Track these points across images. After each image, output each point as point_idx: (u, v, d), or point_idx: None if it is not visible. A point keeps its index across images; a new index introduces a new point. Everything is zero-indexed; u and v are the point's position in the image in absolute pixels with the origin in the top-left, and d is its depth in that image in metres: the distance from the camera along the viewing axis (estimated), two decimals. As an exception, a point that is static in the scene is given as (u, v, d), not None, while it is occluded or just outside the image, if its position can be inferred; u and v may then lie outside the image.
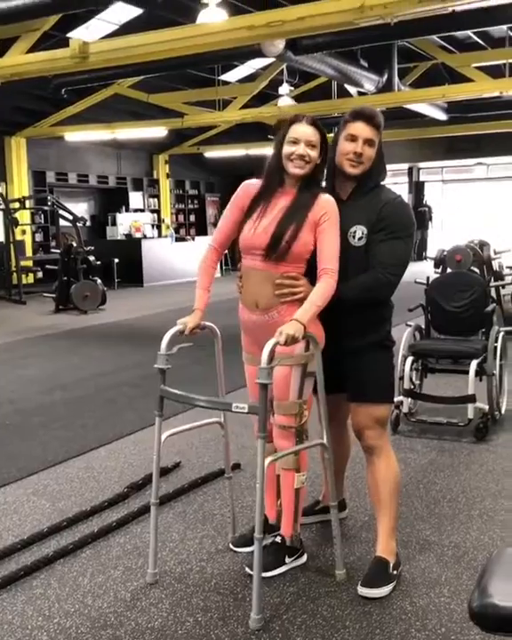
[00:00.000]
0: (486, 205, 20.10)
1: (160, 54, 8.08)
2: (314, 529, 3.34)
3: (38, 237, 16.16)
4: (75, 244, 11.73)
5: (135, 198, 18.70)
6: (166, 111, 14.59)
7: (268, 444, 2.69)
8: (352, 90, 13.62)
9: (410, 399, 4.84)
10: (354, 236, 2.82)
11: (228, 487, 3.28)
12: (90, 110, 14.32)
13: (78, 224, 12.53)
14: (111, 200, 18.09)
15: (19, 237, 14.03)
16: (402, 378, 4.74)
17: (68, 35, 10.15)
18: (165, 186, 19.67)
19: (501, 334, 4.99)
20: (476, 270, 6.65)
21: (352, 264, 2.79)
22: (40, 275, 14.90)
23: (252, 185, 2.93)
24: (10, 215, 12.95)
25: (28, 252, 15.31)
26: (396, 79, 12.25)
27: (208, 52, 8.60)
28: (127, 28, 10.37)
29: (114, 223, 17.50)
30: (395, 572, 2.86)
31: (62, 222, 13.68)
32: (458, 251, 5.88)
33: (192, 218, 20.96)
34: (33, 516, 3.56)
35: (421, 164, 20.77)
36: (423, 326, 5.22)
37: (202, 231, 20.42)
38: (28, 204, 13.82)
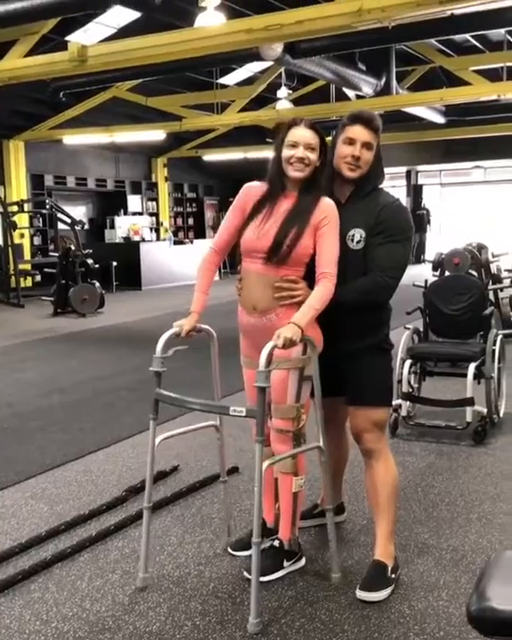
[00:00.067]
0: (484, 208, 20.11)
1: (158, 57, 8.10)
2: (312, 532, 3.34)
3: (37, 241, 16.17)
4: (73, 248, 11.72)
5: (133, 201, 18.71)
6: (165, 114, 14.60)
7: (265, 448, 2.69)
8: (350, 93, 13.63)
9: (408, 402, 4.84)
10: (352, 240, 2.82)
11: (223, 491, 3.27)
12: (88, 113, 14.33)
13: (77, 227, 12.53)
14: (109, 203, 18.11)
15: (17, 241, 14.03)
16: (400, 381, 4.74)
17: (67, 38, 10.14)
18: (164, 189, 19.69)
19: (499, 337, 4.99)
20: (474, 273, 6.65)
21: (350, 267, 2.79)
22: (38, 278, 14.89)
23: (253, 187, 2.92)
24: (8, 218, 12.94)
25: (27, 255, 15.31)
26: (394, 82, 12.28)
27: (206, 56, 8.62)
28: (125, 32, 10.39)
29: (112, 226, 17.52)
30: (393, 576, 2.86)
31: (61, 225, 13.68)
32: (456, 254, 5.87)
33: (190, 221, 20.96)
34: (31, 519, 3.56)
35: (419, 168, 20.80)
36: (421, 329, 5.22)
37: (200, 234, 20.44)
38: (26, 207, 13.81)
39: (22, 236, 15.02)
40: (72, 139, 14.86)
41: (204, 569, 3.03)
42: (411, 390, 4.94)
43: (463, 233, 16.30)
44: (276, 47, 9.17)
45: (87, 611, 2.73)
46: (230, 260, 8.62)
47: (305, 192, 2.81)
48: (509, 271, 8.63)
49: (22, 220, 14.52)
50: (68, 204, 15.72)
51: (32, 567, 3.02)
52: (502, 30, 11.15)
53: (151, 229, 18.79)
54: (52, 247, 15.39)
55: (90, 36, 10.91)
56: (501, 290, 7.92)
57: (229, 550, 3.16)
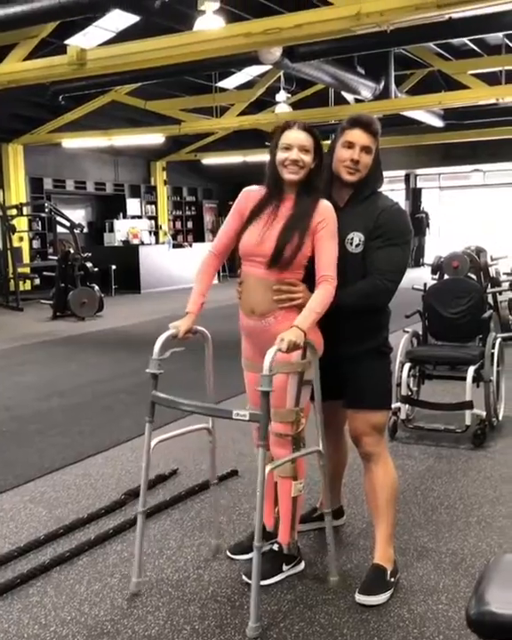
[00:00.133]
0: (483, 212, 20.13)
1: (157, 61, 8.11)
2: (311, 536, 3.33)
3: (36, 244, 16.16)
4: (72, 251, 11.72)
5: (133, 205, 18.72)
6: (164, 118, 14.61)
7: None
8: (349, 97, 13.66)
9: (407, 406, 4.84)
10: (351, 243, 2.82)
11: (212, 494, 3.26)
12: (87, 117, 14.34)
13: (76, 231, 12.55)
14: (109, 207, 18.12)
15: (16, 244, 14.03)
16: (399, 384, 4.74)
17: (66, 42, 10.15)
18: (163, 192, 19.70)
19: (498, 340, 4.99)
20: (473, 277, 6.66)
21: (350, 271, 2.79)
22: (37, 281, 14.88)
23: (252, 191, 2.92)
24: (7, 222, 12.95)
25: (26, 258, 15.31)
26: (393, 86, 12.30)
27: (205, 60, 8.63)
28: (124, 36, 10.40)
29: (111, 230, 17.53)
30: (392, 580, 2.86)
31: (60, 229, 13.70)
32: (455, 257, 5.89)
33: (189, 224, 20.97)
34: (29, 523, 3.55)
35: (418, 171, 20.82)
36: (420, 333, 5.22)
37: (199, 238, 20.44)
38: (25, 210, 13.82)
39: (21, 239, 15.01)
40: (71, 142, 14.86)
41: (202, 573, 3.03)
42: (410, 393, 4.94)
43: (462, 236, 16.30)
44: (275, 51, 9.19)
45: (86, 615, 2.72)
46: (229, 264, 8.65)
47: (302, 194, 2.80)
48: (508, 274, 8.65)
49: (21, 223, 14.51)
50: (67, 208, 15.71)
51: (30, 571, 3.01)
52: (500, 34, 11.19)
53: (150, 233, 18.81)
54: (51, 250, 15.41)
55: (89, 39, 10.91)
56: (500, 293, 7.92)
57: (228, 554, 3.15)
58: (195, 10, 8.13)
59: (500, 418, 5.00)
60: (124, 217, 18.14)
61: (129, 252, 15.69)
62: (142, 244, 17.31)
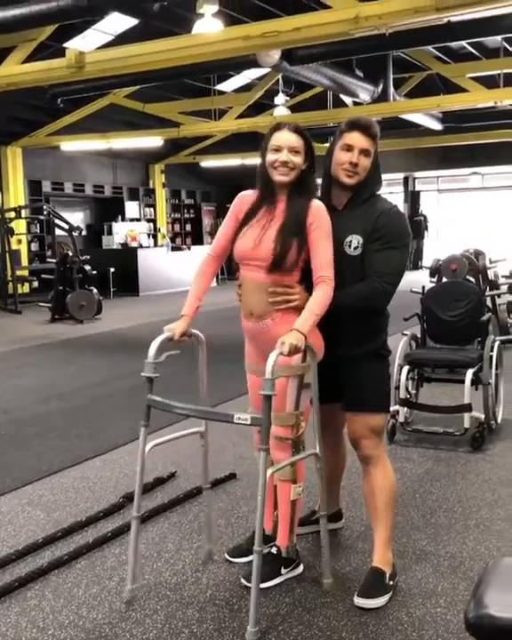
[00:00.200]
0: (482, 215, 20.16)
1: (156, 64, 8.12)
2: (310, 539, 3.32)
3: (34, 247, 16.17)
4: (71, 254, 11.71)
5: (131, 208, 18.73)
6: (162, 121, 14.63)
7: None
8: (347, 100, 13.67)
9: (406, 408, 4.83)
10: (350, 246, 2.82)
11: (206, 499, 3.24)
12: (86, 120, 14.36)
13: (74, 233, 12.54)
14: (107, 209, 18.13)
15: (15, 247, 14.03)
16: (398, 387, 4.74)
17: (65, 45, 10.17)
18: (161, 195, 19.71)
19: (497, 343, 4.99)
20: (472, 279, 6.65)
21: (348, 273, 2.79)
22: (36, 284, 14.90)
23: (246, 196, 2.93)
24: (6, 225, 12.95)
25: (24, 261, 15.31)
26: (392, 89, 12.32)
27: (204, 62, 8.64)
28: (123, 39, 10.40)
29: (110, 232, 17.54)
30: (391, 583, 2.85)
31: (58, 232, 13.69)
32: (453, 260, 5.88)
33: (188, 227, 21.00)
34: (28, 526, 3.55)
35: (417, 174, 20.84)
36: (419, 335, 5.22)
37: (198, 241, 20.46)
38: (23, 213, 13.83)
39: (20, 242, 15.01)
40: (69, 145, 14.88)
41: (201, 576, 3.02)
42: (408, 396, 4.93)
43: (460, 239, 16.31)
44: (274, 54, 9.20)
45: (84, 618, 2.72)
46: (227, 267, 8.64)
47: (294, 196, 2.79)
48: (507, 277, 8.65)
49: (20, 226, 14.52)
50: (66, 211, 15.73)
51: (28, 574, 3.00)
52: (499, 37, 11.22)
53: (149, 235, 18.81)
54: (49, 253, 15.41)
55: (87, 42, 10.92)
56: (499, 296, 7.92)
57: (226, 557, 3.14)
58: (193, 13, 8.15)
59: (499, 421, 4.99)
60: (123, 220, 18.15)
61: (127, 255, 15.68)
62: (141, 246, 17.31)
